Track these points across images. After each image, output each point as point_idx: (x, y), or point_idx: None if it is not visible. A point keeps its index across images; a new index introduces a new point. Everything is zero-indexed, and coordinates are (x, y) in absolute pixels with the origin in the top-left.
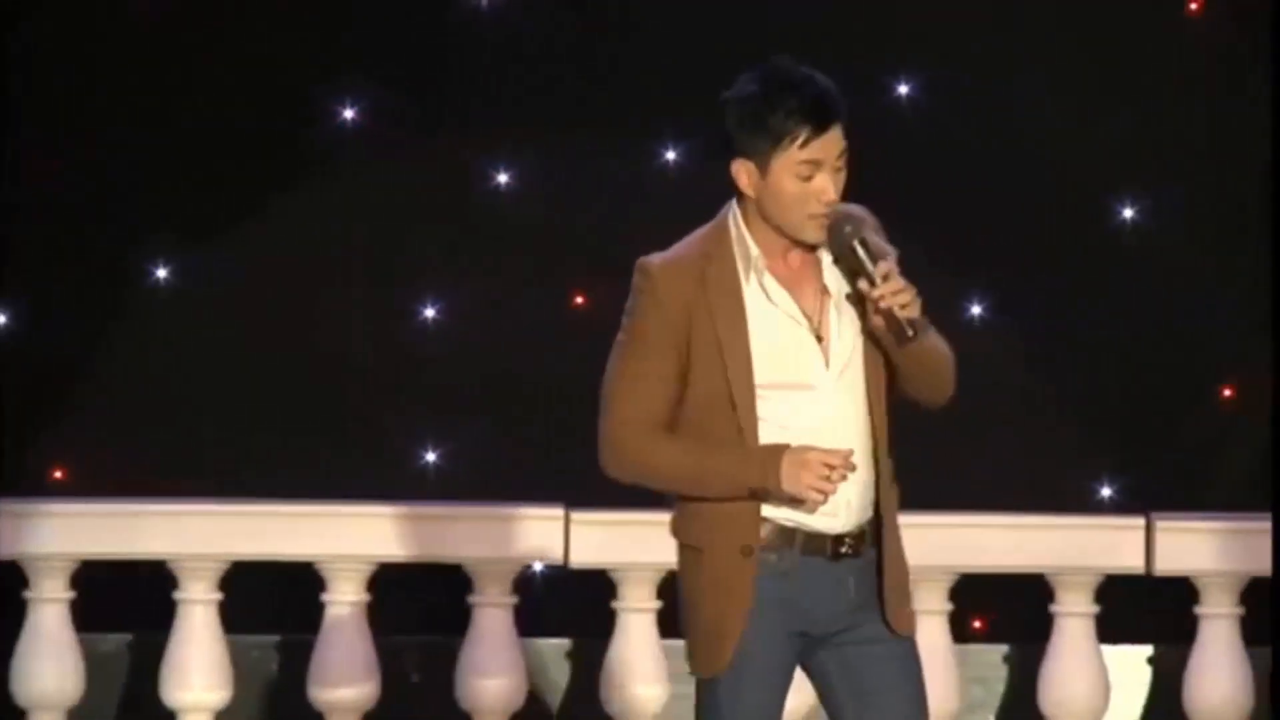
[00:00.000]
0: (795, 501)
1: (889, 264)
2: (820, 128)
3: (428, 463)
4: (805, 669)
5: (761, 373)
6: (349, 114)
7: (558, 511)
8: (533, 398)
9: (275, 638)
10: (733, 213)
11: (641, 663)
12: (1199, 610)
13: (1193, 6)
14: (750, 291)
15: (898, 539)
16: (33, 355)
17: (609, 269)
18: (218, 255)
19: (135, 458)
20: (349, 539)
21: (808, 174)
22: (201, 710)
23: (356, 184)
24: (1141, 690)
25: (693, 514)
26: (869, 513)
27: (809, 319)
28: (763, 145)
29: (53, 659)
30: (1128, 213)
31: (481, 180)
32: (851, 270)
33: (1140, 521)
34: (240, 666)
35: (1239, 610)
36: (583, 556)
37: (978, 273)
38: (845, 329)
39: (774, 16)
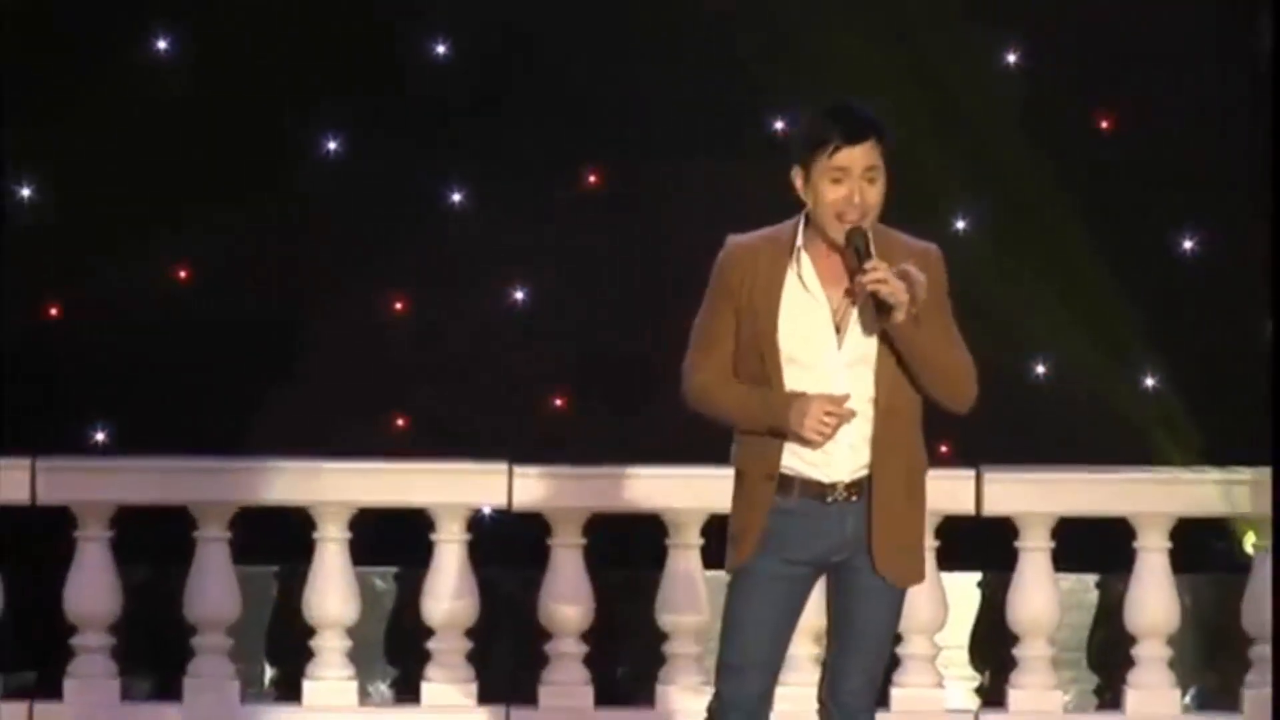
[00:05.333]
0: (803, 440)
1: (877, 260)
2: (848, 140)
3: (398, 426)
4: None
5: (784, 340)
6: (332, 145)
7: (502, 466)
8: (483, 374)
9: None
10: (804, 212)
11: (570, 587)
12: (1019, 544)
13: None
14: (791, 276)
15: (896, 499)
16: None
17: (541, 272)
18: (230, 259)
19: (169, 421)
20: (332, 488)
21: (838, 178)
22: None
23: (340, 199)
24: (973, 608)
25: (739, 445)
26: (862, 472)
27: (834, 311)
28: (806, 153)
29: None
30: (960, 224)
31: (438, 198)
32: (852, 263)
33: (971, 473)
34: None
35: (1051, 544)
36: (523, 501)
37: None
38: (862, 327)
39: (680, 65)
